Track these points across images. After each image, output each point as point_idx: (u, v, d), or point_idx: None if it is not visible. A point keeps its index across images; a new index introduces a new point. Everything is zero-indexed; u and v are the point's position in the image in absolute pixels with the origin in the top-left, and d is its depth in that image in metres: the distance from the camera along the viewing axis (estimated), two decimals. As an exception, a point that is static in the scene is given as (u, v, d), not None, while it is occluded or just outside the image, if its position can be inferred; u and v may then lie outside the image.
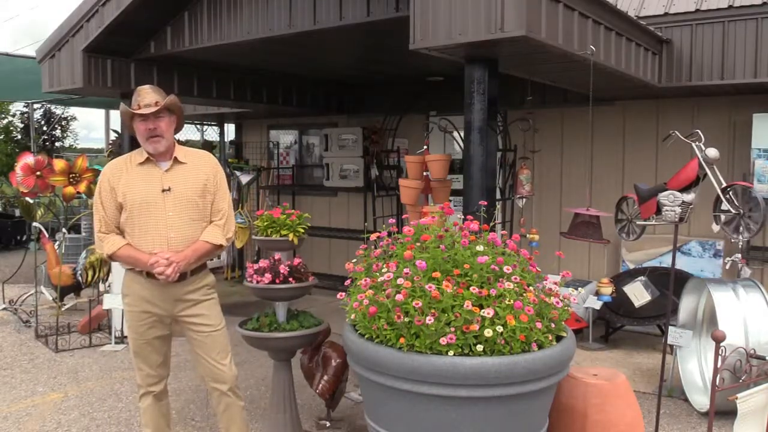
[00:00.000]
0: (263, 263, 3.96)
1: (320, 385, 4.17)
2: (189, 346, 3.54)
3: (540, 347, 2.90)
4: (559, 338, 3.06)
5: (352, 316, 3.16)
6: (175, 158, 3.37)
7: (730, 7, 5.46)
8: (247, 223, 8.76)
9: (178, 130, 3.49)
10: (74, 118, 19.24)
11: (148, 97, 3.32)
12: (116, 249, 3.30)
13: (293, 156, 9.91)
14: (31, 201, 7.91)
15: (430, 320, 2.77)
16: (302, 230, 4.03)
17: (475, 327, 2.77)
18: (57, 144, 18.56)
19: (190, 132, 11.51)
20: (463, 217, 3.51)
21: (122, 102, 3.40)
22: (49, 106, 16.41)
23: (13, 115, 18.30)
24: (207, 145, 10.21)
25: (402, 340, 2.86)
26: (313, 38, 5.31)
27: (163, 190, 3.30)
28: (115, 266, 6.01)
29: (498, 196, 6.17)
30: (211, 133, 11.46)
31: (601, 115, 6.80)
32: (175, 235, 3.28)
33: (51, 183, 6.61)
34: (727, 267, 5.36)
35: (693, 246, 6.55)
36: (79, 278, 7.28)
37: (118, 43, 6.07)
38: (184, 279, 3.34)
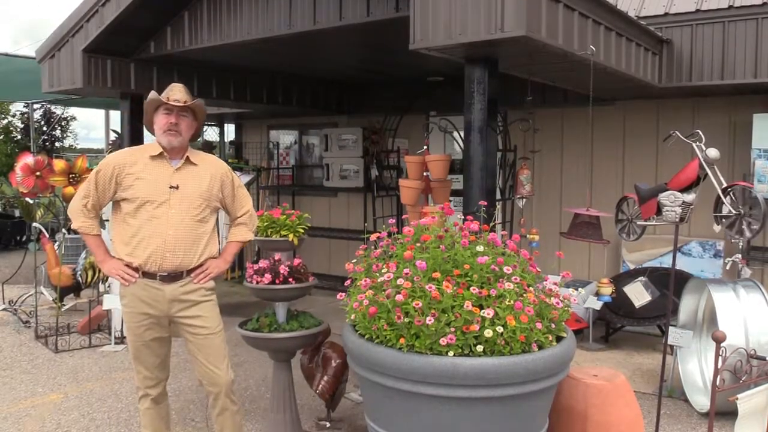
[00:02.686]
0: (263, 263, 3.96)
1: (320, 386, 4.17)
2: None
3: (540, 348, 2.90)
4: (559, 339, 3.06)
5: (352, 317, 3.16)
6: (187, 158, 3.39)
7: (730, 7, 5.46)
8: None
9: (195, 137, 3.53)
10: (74, 118, 19.23)
11: (179, 93, 3.37)
12: (85, 232, 3.37)
13: (293, 156, 9.91)
14: (31, 201, 7.91)
15: (430, 321, 2.76)
16: (302, 230, 4.02)
17: (475, 327, 2.77)
18: (57, 144, 18.54)
19: (189, 132, 11.49)
20: (463, 217, 3.51)
21: (153, 91, 3.42)
22: (48, 106, 16.40)
23: (13, 115, 18.28)
24: (207, 145, 10.20)
25: (402, 340, 2.86)
26: (313, 38, 5.31)
27: (171, 187, 3.30)
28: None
29: (498, 196, 6.16)
30: (211, 133, 11.47)
31: (601, 115, 6.79)
32: (173, 233, 3.27)
33: (51, 183, 6.60)
34: (728, 267, 5.36)
35: (693, 246, 6.55)
36: (79, 279, 7.28)
37: (118, 43, 6.07)
38: (180, 279, 3.33)
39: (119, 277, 3.32)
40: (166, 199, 3.28)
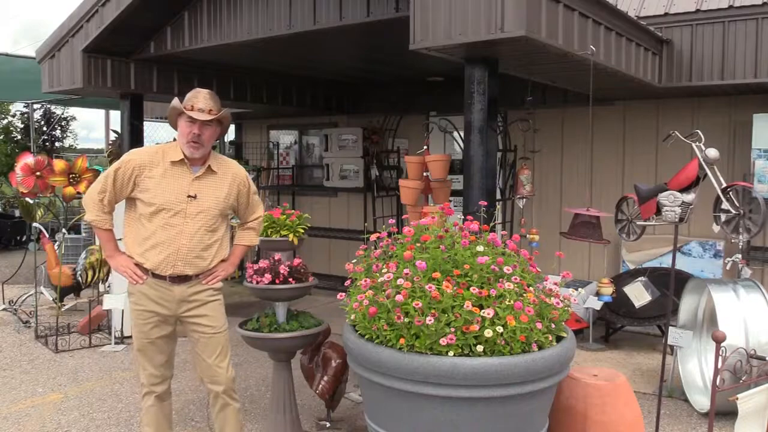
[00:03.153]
0: (263, 263, 3.96)
1: (320, 386, 4.16)
2: (190, 345, 3.54)
3: (540, 348, 2.90)
4: (559, 339, 3.06)
5: (352, 317, 3.16)
6: (209, 167, 3.35)
7: (730, 7, 5.45)
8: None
9: (219, 138, 3.52)
10: (74, 118, 19.21)
11: (204, 102, 3.27)
12: (98, 226, 3.36)
13: (293, 156, 9.91)
14: (31, 201, 7.90)
15: (430, 321, 2.76)
16: (302, 230, 4.02)
17: (475, 327, 2.77)
18: (57, 144, 18.53)
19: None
20: (463, 217, 3.51)
21: (176, 97, 3.35)
22: (49, 106, 16.40)
23: (13, 116, 18.28)
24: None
25: (402, 340, 2.86)
26: (313, 38, 5.31)
27: (189, 197, 3.28)
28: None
29: (498, 196, 6.17)
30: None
31: (601, 115, 6.80)
32: (186, 242, 3.27)
33: (51, 183, 6.60)
34: (728, 267, 5.36)
35: (693, 246, 6.55)
36: (79, 278, 7.28)
37: (118, 43, 6.07)
38: (189, 281, 3.34)
39: (127, 275, 3.32)
40: (182, 208, 3.27)
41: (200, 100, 3.27)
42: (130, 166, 3.29)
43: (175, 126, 3.38)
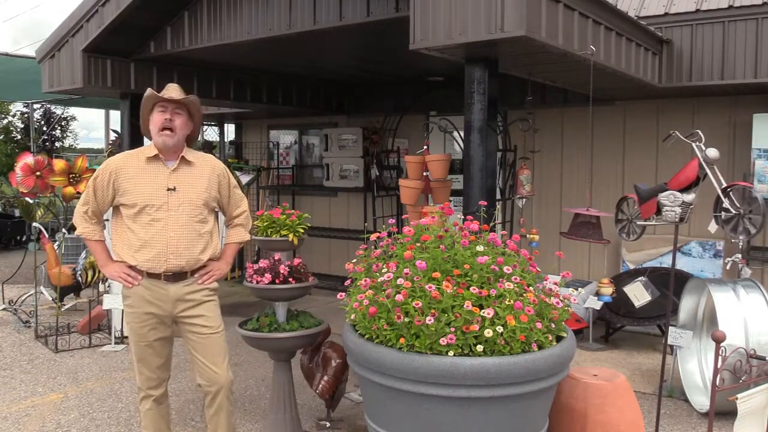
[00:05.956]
0: (263, 263, 3.96)
1: (320, 386, 4.17)
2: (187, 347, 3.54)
3: (540, 347, 2.90)
4: (559, 338, 3.06)
5: (352, 317, 3.16)
6: (183, 158, 3.38)
7: (730, 7, 5.46)
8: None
9: (192, 137, 3.52)
10: (74, 118, 19.27)
11: (174, 92, 3.37)
12: (88, 238, 3.41)
13: (293, 156, 9.91)
14: (31, 201, 7.90)
15: (430, 320, 2.76)
16: (302, 230, 4.02)
17: (475, 327, 2.77)
18: (57, 144, 18.55)
19: (190, 132, 11.47)
20: (463, 217, 3.51)
21: (149, 88, 3.42)
22: (49, 106, 16.40)
23: (13, 115, 18.31)
24: (207, 145, 10.20)
25: (402, 340, 2.86)
26: (313, 38, 5.31)
27: (168, 189, 3.30)
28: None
29: (498, 196, 6.17)
30: (211, 133, 11.47)
31: (601, 115, 6.80)
32: (175, 234, 3.28)
33: (51, 183, 6.60)
34: (728, 267, 5.36)
35: (693, 246, 6.55)
36: (79, 278, 7.28)
37: (118, 43, 6.07)
38: (184, 279, 3.34)
39: (122, 280, 3.34)
40: (164, 201, 3.29)
41: (170, 90, 3.37)
42: (107, 172, 3.34)
43: (147, 129, 3.41)
